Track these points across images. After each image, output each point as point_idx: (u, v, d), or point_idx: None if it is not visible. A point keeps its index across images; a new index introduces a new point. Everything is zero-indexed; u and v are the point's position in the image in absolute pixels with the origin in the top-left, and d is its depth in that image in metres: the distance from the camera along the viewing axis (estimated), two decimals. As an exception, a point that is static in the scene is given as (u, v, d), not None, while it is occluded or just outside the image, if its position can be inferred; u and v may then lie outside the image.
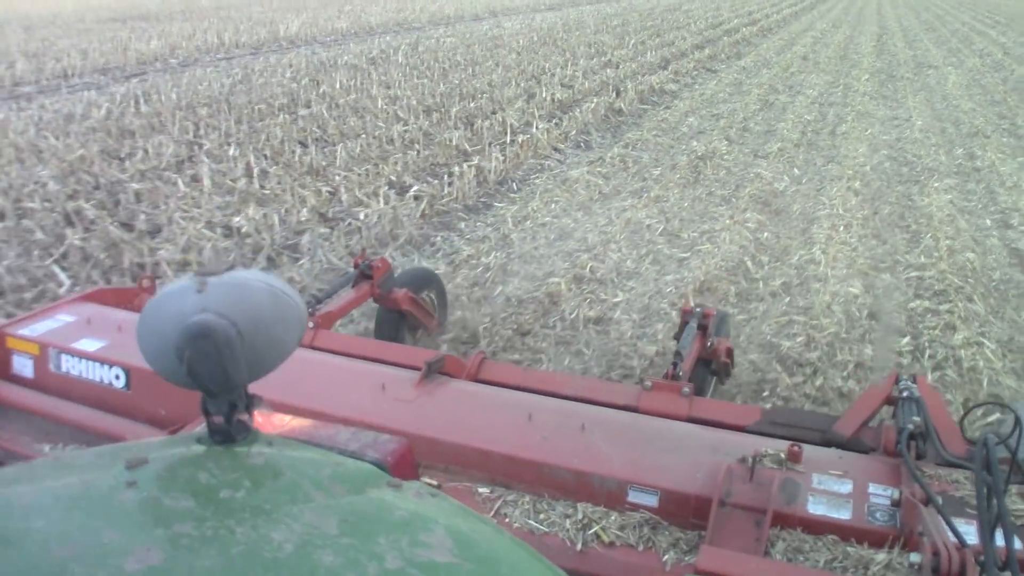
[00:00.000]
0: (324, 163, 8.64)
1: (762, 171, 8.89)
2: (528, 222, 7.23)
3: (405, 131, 10.03)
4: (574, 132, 10.79)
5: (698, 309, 3.52)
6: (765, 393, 4.38)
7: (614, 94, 12.73)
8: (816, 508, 2.22)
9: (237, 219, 6.80)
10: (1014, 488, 2.18)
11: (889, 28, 26.36)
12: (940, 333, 5.12)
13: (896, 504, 2.19)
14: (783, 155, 9.75)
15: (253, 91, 12.53)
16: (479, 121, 10.69)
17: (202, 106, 11.27)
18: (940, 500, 2.10)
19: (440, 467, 2.52)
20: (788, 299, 5.63)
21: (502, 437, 2.58)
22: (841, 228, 7.10)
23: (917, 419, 2.43)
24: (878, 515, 2.18)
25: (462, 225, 7.35)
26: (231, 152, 8.85)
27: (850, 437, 2.61)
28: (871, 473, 2.36)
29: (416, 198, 7.70)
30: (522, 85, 13.52)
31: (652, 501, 2.33)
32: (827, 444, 2.60)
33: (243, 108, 11.19)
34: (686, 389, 2.84)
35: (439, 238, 6.97)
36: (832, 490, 2.27)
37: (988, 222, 7.57)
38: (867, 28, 26.07)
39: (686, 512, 2.30)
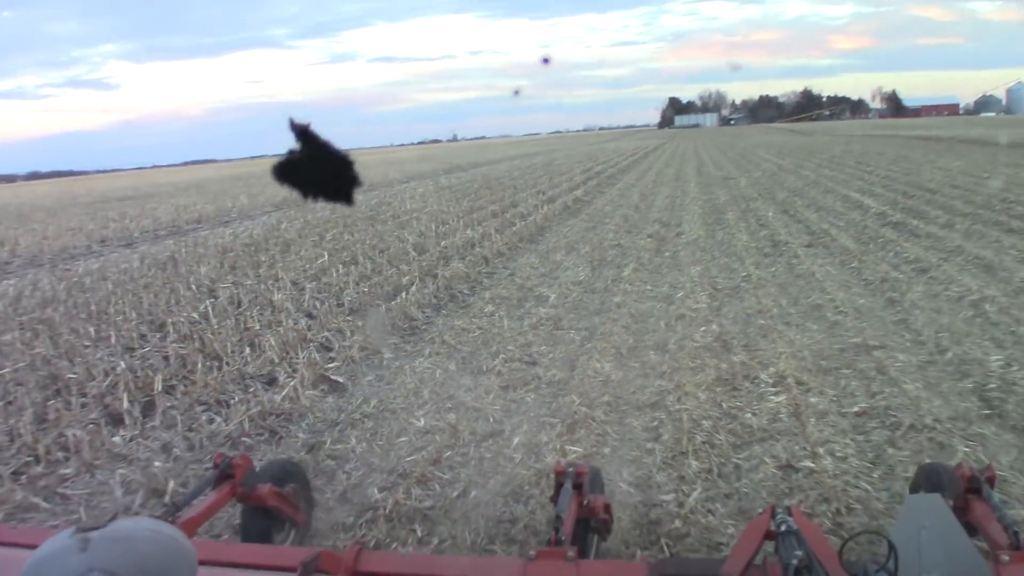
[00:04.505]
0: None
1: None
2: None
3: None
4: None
5: (571, 469, 3.63)
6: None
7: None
8: None
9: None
10: None
11: (705, 161, 39.61)
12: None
13: None
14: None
15: None
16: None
17: None
18: None
19: None
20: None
21: None
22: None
23: (799, 553, 2.50)
24: None
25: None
26: None
27: None
28: None
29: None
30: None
31: None
32: None
33: None
34: (571, 553, 2.86)
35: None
36: None
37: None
38: (689, 163, 39.13)
39: None
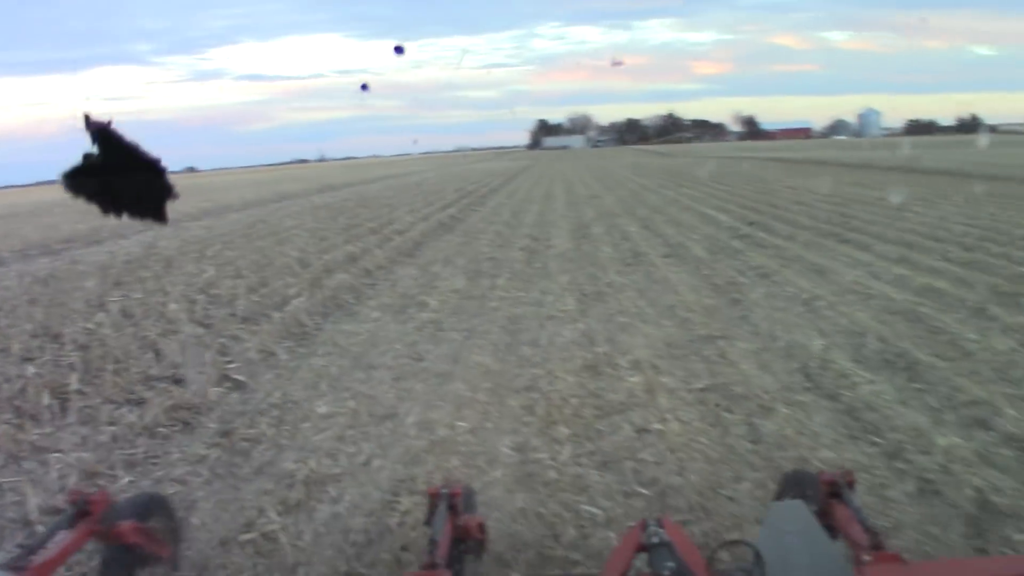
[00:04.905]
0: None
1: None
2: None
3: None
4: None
5: (444, 490, 3.62)
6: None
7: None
8: None
9: None
10: None
11: (573, 181, 41.34)
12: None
13: None
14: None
15: None
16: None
17: None
18: None
19: None
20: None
21: None
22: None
23: (671, 564, 2.55)
24: None
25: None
26: None
27: None
28: None
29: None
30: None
31: None
32: None
33: None
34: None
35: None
36: None
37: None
38: (557, 183, 40.72)
39: None
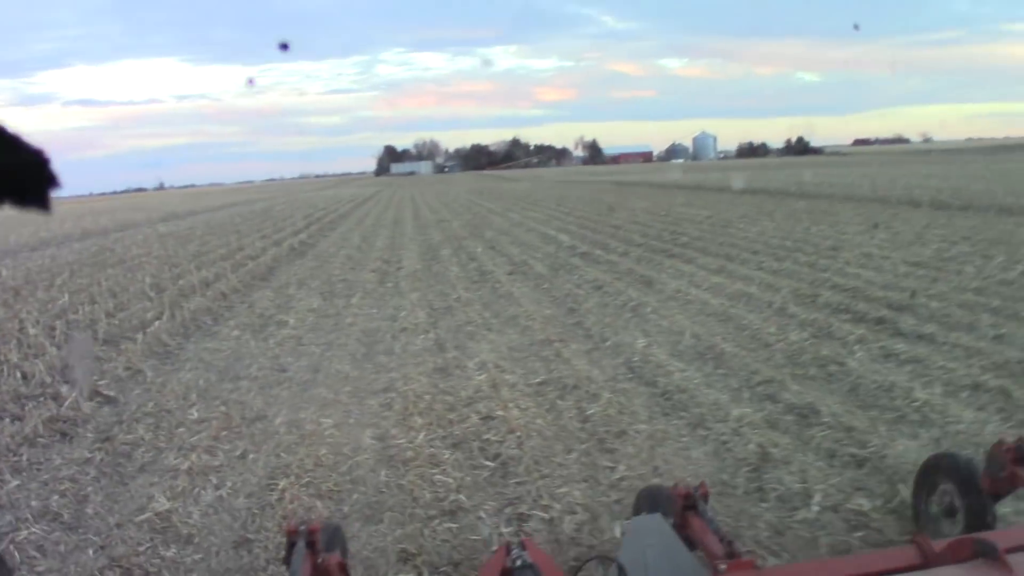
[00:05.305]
0: None
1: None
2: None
3: None
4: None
5: (303, 527, 3.48)
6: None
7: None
8: None
9: None
10: None
11: (421, 206, 42.42)
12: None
13: None
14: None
15: None
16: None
17: None
18: None
19: None
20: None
21: None
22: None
23: None
24: None
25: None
26: None
27: None
28: None
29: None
30: None
31: None
32: None
33: None
34: None
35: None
36: None
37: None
38: (406, 208, 41.68)
39: None
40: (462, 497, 5.57)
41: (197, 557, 5.02)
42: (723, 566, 2.69)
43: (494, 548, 3.88)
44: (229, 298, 14.73)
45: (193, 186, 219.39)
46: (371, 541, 5.07)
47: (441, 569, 4.68)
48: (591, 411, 7.26)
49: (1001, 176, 40.68)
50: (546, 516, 5.21)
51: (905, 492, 5.11)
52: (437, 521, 5.27)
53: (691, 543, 3.36)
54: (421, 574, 4.62)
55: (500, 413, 7.25)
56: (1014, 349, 8.54)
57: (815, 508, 5.17)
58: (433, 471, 6.04)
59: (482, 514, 5.32)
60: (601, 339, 10.09)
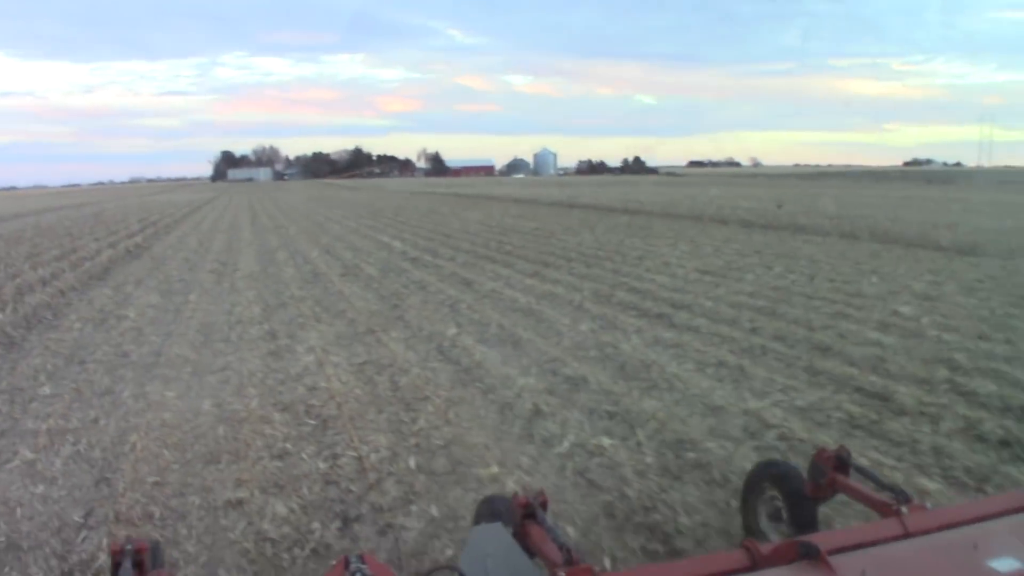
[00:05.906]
0: None
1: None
2: None
3: None
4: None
5: (129, 546, 3.37)
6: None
7: None
8: None
9: None
10: None
11: (259, 212, 42.90)
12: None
13: None
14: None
15: None
16: None
17: None
18: None
19: None
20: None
21: None
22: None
23: None
24: None
25: None
26: None
27: None
28: None
29: None
30: None
31: None
32: None
33: None
34: None
35: None
36: None
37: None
38: (243, 214, 42.13)
39: None
40: (288, 445, 6.86)
41: (63, 492, 6.08)
42: (562, 573, 2.82)
43: (332, 562, 3.90)
44: (67, 295, 15.34)
45: (15, 188, 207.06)
46: (211, 475, 6.28)
47: (269, 491, 5.96)
48: (402, 383, 8.67)
49: (811, 200, 45.04)
50: (355, 455, 6.56)
51: (642, 435, 6.81)
52: (267, 461, 6.52)
53: (531, 551, 3.43)
54: (252, 493, 5.89)
55: (324, 385, 8.58)
56: (761, 337, 10.53)
57: (567, 444, 6.74)
58: (264, 427, 7.29)
59: (304, 456, 6.61)
60: (418, 328, 11.54)
